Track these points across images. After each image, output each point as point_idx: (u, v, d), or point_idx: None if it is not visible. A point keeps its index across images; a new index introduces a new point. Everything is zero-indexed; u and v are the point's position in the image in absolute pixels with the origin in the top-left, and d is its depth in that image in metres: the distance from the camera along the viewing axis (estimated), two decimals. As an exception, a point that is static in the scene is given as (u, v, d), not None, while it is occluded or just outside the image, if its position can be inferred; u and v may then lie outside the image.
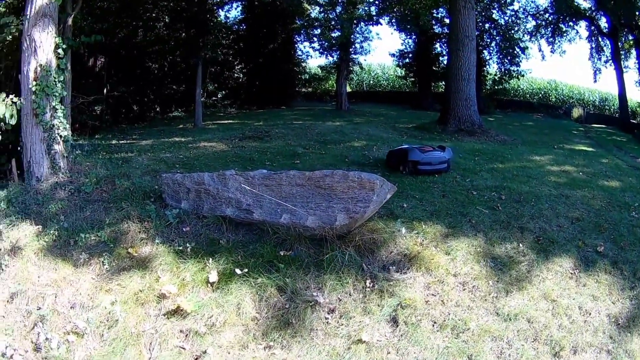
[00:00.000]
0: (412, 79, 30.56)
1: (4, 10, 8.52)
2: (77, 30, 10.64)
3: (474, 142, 13.48)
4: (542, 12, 27.10)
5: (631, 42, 25.26)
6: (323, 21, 23.27)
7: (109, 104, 19.65)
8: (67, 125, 7.67)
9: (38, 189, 6.99)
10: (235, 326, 4.79)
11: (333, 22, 22.95)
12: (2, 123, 7.04)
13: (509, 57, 27.35)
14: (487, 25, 26.92)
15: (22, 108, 7.12)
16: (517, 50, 27.21)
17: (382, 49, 62.55)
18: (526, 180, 8.16)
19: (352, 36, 23.72)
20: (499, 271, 5.43)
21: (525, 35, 27.74)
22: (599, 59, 26.88)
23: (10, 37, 8.34)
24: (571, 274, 5.50)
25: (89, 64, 20.55)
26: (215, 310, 4.89)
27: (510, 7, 26.87)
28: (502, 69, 27.74)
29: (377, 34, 55.97)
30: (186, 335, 4.73)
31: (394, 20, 25.96)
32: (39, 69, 7.11)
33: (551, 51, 27.65)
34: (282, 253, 5.54)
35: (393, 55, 30.37)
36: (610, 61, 25.76)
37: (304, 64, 30.37)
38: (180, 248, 5.71)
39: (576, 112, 28.01)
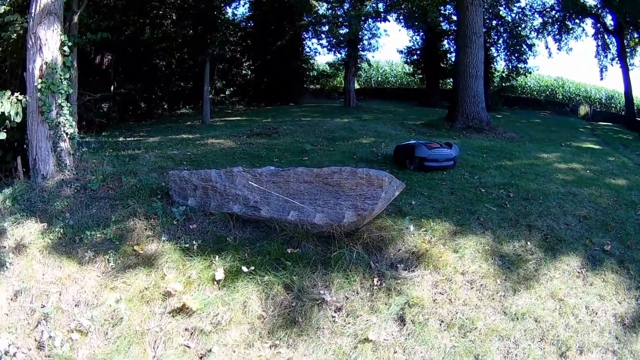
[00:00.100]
0: (420, 76, 30.33)
1: (9, 8, 8.51)
2: (84, 28, 10.65)
3: (482, 139, 13.39)
4: (548, 9, 26.84)
5: (637, 40, 25.02)
6: (331, 18, 23.16)
7: (116, 101, 19.63)
8: (73, 123, 7.66)
9: (44, 187, 7.00)
10: (241, 324, 4.76)
11: (341, 19, 22.85)
12: (7, 121, 7.04)
13: (516, 54, 27.12)
14: (494, 22, 26.70)
15: (28, 106, 7.13)
16: (524, 47, 26.99)
17: (390, 45, 62.41)
18: (534, 178, 8.07)
19: (360, 33, 23.57)
20: (507, 269, 5.36)
21: (532, 33, 27.47)
22: (605, 56, 26.57)
23: (15, 35, 8.36)
24: (578, 272, 5.43)
25: (96, 62, 20.55)
26: (221, 308, 4.86)
27: (517, 4, 26.63)
28: (510, 66, 27.48)
29: (385, 31, 55.99)
30: (191, 334, 4.70)
31: (401, 17, 25.80)
32: (44, 66, 7.11)
33: (558, 48, 27.43)
34: (289, 250, 5.51)
35: (401, 52, 30.14)
36: (617, 59, 25.49)
37: (312, 61, 30.24)
38: (187, 245, 5.69)
39: (583, 109, 27.76)
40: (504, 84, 27.78)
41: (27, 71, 7.22)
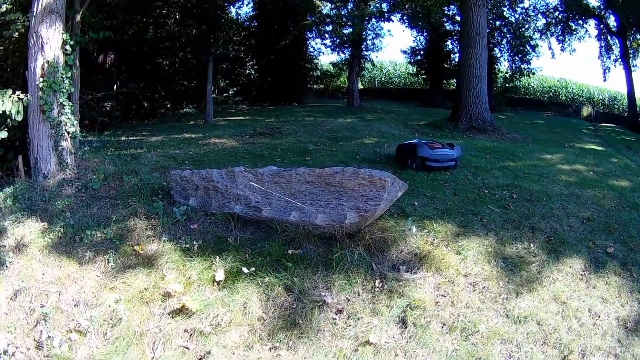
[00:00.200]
0: (424, 76, 30.36)
1: (11, 7, 8.49)
2: (86, 27, 10.61)
3: (486, 139, 13.34)
4: (552, 10, 26.89)
5: (639, 41, 25.01)
6: (335, 18, 23.13)
7: (119, 101, 19.64)
8: (75, 122, 7.62)
9: (45, 186, 6.97)
10: (240, 326, 4.72)
11: (344, 19, 22.81)
12: (8, 119, 7.02)
13: (519, 55, 27.18)
14: (497, 23, 26.73)
15: (29, 104, 7.10)
16: (528, 48, 27.05)
17: (394, 46, 62.17)
18: (537, 179, 8.01)
19: (364, 33, 23.54)
20: (510, 272, 5.31)
21: (536, 33, 27.56)
22: (609, 57, 26.63)
23: (17, 34, 8.34)
24: (581, 275, 5.38)
25: (99, 61, 20.57)
26: (221, 309, 4.83)
27: (521, 5, 26.72)
28: (513, 67, 27.57)
29: (389, 31, 55.74)
30: (190, 335, 4.67)
31: (405, 17, 25.79)
32: (46, 65, 7.08)
33: (561, 49, 27.46)
34: (290, 252, 5.46)
35: (405, 52, 30.17)
36: (620, 60, 25.51)
37: (315, 61, 30.22)
38: (187, 246, 5.66)
39: (586, 110, 27.75)
40: (507, 85, 27.90)
41: (28, 70, 7.19)
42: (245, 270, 5.17)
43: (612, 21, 25.50)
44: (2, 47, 9.21)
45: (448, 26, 27.10)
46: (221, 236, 5.88)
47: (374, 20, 24.00)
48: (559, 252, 5.65)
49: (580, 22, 26.61)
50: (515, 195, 7.05)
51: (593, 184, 8.01)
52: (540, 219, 6.33)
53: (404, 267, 5.25)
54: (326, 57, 44.36)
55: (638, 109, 24.51)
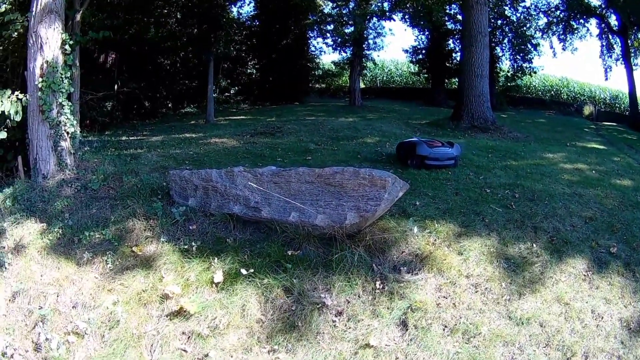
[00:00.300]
0: (426, 75, 30.36)
1: (10, 7, 8.48)
2: (87, 27, 10.60)
3: (487, 138, 13.30)
4: (553, 9, 27.00)
5: (640, 40, 25.05)
6: (336, 17, 23.11)
7: (120, 100, 19.64)
8: (74, 122, 7.61)
9: (44, 186, 6.94)
10: (239, 328, 4.66)
11: (346, 18, 22.78)
12: (8, 120, 7.00)
13: (521, 54, 27.25)
14: (499, 22, 26.76)
15: (29, 105, 7.08)
16: (529, 47, 27.12)
17: (396, 45, 62.37)
18: (540, 178, 7.95)
19: (365, 32, 23.53)
20: (512, 272, 5.24)
21: (537, 32, 27.65)
22: (610, 56, 26.74)
23: (16, 34, 8.33)
24: (584, 275, 5.30)
25: (100, 61, 20.57)
26: (219, 311, 4.77)
27: (522, 4, 26.81)
28: (515, 66, 27.63)
29: (390, 30, 55.70)
30: (188, 338, 4.62)
31: (407, 16, 25.78)
32: (45, 65, 7.05)
33: (562, 48, 27.57)
34: (289, 252, 5.40)
35: (406, 51, 30.18)
36: (621, 59, 25.62)
37: (317, 60, 30.20)
38: (186, 247, 5.61)
39: (587, 109, 27.72)
40: (509, 84, 27.95)
41: (27, 70, 7.17)
42: (244, 271, 5.12)
43: (613, 20, 25.65)
44: (1, 48, 9.21)
45: (449, 25, 27.08)
46: (220, 237, 5.82)
47: (375, 19, 23.97)
48: (561, 252, 5.58)
49: (581, 21, 26.72)
50: (517, 195, 6.99)
51: (595, 183, 7.95)
52: (542, 218, 6.26)
53: (405, 268, 5.19)
54: (328, 57, 44.29)
55: (639, 108, 24.45)
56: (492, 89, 19.49)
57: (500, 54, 27.87)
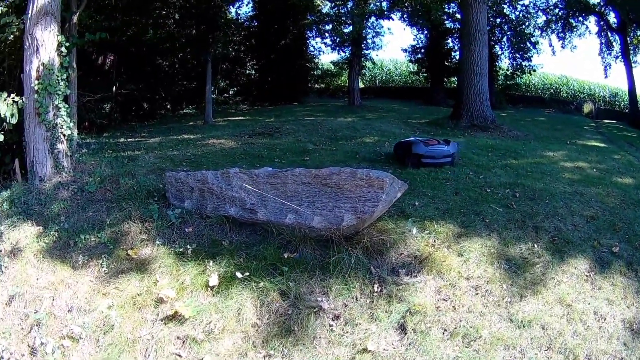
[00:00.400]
0: (425, 75, 30.32)
1: (6, 9, 8.46)
2: (84, 29, 10.56)
3: (487, 137, 13.23)
4: (552, 7, 26.96)
5: (639, 38, 25.01)
6: (334, 16, 23.09)
7: (118, 102, 19.60)
8: (71, 124, 7.59)
9: (41, 189, 6.93)
10: (234, 333, 4.61)
11: (344, 17, 22.75)
12: (4, 122, 6.97)
13: (520, 52, 27.30)
14: (498, 20, 26.78)
15: (25, 107, 7.07)
16: (528, 45, 27.17)
17: (395, 44, 62.21)
18: (540, 177, 7.88)
19: (364, 31, 23.51)
20: (513, 274, 5.17)
21: (536, 30, 27.68)
22: (609, 54, 26.72)
23: (12, 36, 8.30)
24: (586, 276, 5.22)
25: (98, 62, 20.53)
26: (214, 315, 4.72)
27: (521, 2, 26.85)
28: (514, 64, 27.67)
29: (389, 29, 55.60)
30: (183, 342, 4.57)
31: (405, 16, 25.75)
32: (41, 67, 7.03)
33: (562, 46, 27.53)
34: (286, 255, 5.34)
35: (405, 50, 30.12)
36: (620, 56, 25.62)
37: (316, 60, 30.18)
38: (181, 250, 5.56)
39: (587, 107, 27.65)
40: (508, 82, 27.99)
41: (24, 72, 7.15)
42: (239, 275, 5.06)
43: (612, 18, 25.64)
44: (-2, 50, 9.18)
45: (448, 24, 27.05)
46: (216, 239, 5.77)
47: (373, 18, 23.96)
48: (563, 253, 5.50)
49: (580, 18, 26.68)
50: (518, 194, 6.92)
51: (596, 181, 7.88)
52: (544, 218, 6.18)
53: (404, 270, 5.12)
54: (327, 56, 44.43)
55: (639, 106, 24.43)
56: (491, 88, 19.49)
57: (499, 53, 27.90)
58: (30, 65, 7.03)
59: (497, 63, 27.53)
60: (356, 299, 4.85)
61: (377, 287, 4.94)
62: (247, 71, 29.20)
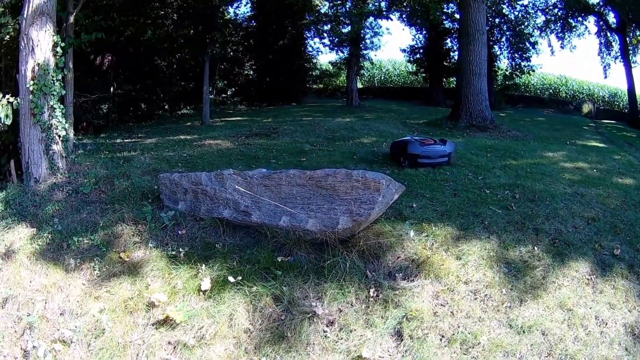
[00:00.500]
0: (423, 75, 30.33)
1: (2, 10, 8.42)
2: (81, 29, 10.52)
3: (486, 137, 13.20)
4: (551, 7, 27.05)
5: (639, 38, 25.13)
6: (333, 16, 23.06)
7: (116, 102, 19.58)
8: (66, 125, 7.56)
9: (36, 190, 6.88)
10: (226, 339, 4.52)
11: (343, 18, 22.72)
12: (0, 124, 6.94)
13: (519, 52, 27.42)
14: (497, 20, 26.88)
15: (20, 108, 7.04)
16: (528, 45, 27.28)
17: (393, 44, 62.43)
18: (540, 178, 7.80)
19: (362, 31, 23.51)
20: (513, 277, 5.08)
21: (535, 30, 27.80)
22: (609, 54, 26.84)
23: (8, 36, 8.27)
24: (588, 279, 5.13)
25: (96, 63, 20.51)
26: (206, 320, 4.64)
27: (520, 2, 26.95)
28: (513, 64, 27.78)
29: (388, 29, 55.71)
30: (174, 348, 4.48)
31: (404, 16, 25.77)
32: (36, 68, 6.99)
33: (561, 46, 27.63)
34: (280, 259, 5.25)
35: (404, 50, 30.21)
36: (620, 56, 25.71)
37: (314, 60, 30.20)
38: (174, 253, 5.48)
39: (586, 107, 27.76)
40: (507, 82, 28.08)
41: (19, 73, 7.11)
42: (232, 279, 4.97)
43: (611, 18, 25.72)
44: (-6, 51, 9.17)
45: (447, 24, 27.12)
46: (209, 242, 5.68)
47: (372, 18, 23.96)
48: (564, 255, 5.41)
49: (579, 18, 26.79)
50: (517, 195, 6.84)
51: (597, 182, 7.80)
52: (544, 219, 6.10)
53: (401, 274, 5.02)
54: (325, 57, 44.50)
55: (638, 106, 24.51)
56: (490, 88, 19.52)
57: (498, 53, 27.98)
58: (25, 65, 6.98)
59: (496, 63, 27.56)
60: (351, 304, 4.75)
61: (373, 292, 4.84)
62: (245, 71, 29.23)
